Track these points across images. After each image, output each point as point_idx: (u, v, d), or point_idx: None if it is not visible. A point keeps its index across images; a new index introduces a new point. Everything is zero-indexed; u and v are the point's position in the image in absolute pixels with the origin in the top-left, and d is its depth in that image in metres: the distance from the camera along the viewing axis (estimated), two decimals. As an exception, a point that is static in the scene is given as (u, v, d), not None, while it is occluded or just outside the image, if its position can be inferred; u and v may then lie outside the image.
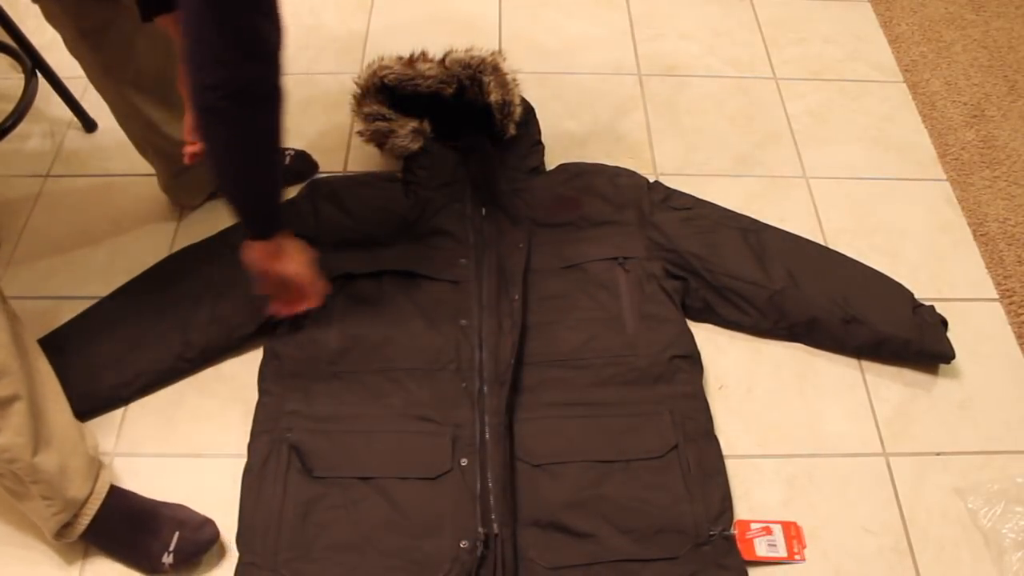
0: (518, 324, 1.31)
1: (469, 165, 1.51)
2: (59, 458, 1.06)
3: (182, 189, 1.51)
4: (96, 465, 1.13)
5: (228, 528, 1.17)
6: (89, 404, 1.27)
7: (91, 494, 1.11)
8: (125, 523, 1.14)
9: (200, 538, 1.14)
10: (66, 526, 1.10)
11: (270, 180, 1.12)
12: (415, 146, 1.50)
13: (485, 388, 1.25)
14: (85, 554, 1.17)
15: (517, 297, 1.34)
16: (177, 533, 1.13)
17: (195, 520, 1.16)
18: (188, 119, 1.23)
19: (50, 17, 1.23)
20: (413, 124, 1.50)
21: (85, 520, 1.11)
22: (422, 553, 1.11)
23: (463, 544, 1.12)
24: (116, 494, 1.15)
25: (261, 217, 1.15)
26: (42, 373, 1.05)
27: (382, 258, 1.40)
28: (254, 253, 1.18)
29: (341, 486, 1.17)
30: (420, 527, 1.14)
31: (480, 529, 1.13)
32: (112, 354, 1.30)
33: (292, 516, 1.14)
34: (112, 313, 1.35)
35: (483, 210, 1.46)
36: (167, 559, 1.12)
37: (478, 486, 1.16)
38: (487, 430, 1.21)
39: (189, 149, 1.23)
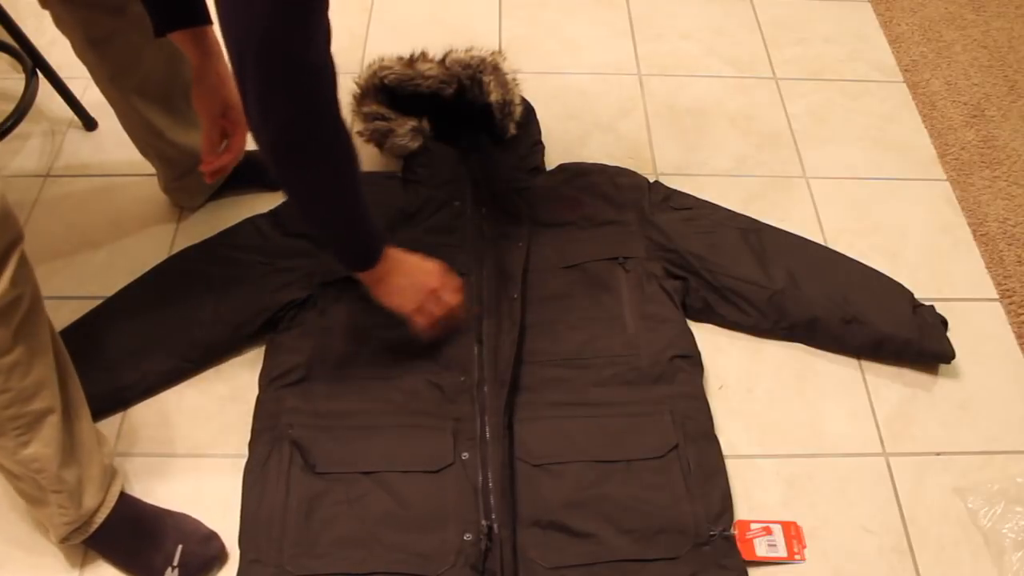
0: (517, 323, 1.31)
1: (469, 164, 1.51)
2: (81, 469, 1.06)
3: (183, 191, 1.52)
4: (110, 473, 1.13)
5: (229, 527, 1.16)
6: (95, 407, 1.26)
7: (102, 503, 1.10)
8: (129, 531, 1.13)
9: (207, 553, 1.14)
10: (74, 531, 1.09)
11: (351, 216, 1.11)
12: (414, 145, 1.50)
13: (485, 387, 1.25)
14: (84, 559, 1.17)
15: (516, 296, 1.34)
16: (181, 546, 1.13)
17: (200, 532, 1.15)
18: (206, 137, 1.24)
19: (60, 23, 1.24)
20: (412, 123, 1.50)
21: (92, 527, 1.10)
22: (427, 546, 1.12)
23: (467, 537, 1.12)
24: (123, 500, 1.14)
25: (347, 251, 1.16)
26: (72, 383, 1.05)
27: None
28: (372, 289, 1.21)
29: (344, 482, 1.17)
30: (424, 520, 1.14)
31: (483, 522, 1.13)
32: (117, 356, 1.30)
33: (296, 513, 1.14)
34: (115, 315, 1.35)
35: (483, 209, 1.46)
36: (171, 574, 1.11)
37: (480, 479, 1.17)
38: (487, 429, 1.21)
39: (207, 168, 1.25)
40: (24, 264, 0.89)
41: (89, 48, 1.25)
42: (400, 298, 1.23)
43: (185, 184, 1.50)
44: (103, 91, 1.35)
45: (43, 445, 0.98)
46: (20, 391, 0.92)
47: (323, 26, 0.94)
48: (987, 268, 1.54)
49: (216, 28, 1.10)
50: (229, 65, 0.97)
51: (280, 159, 1.01)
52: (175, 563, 1.12)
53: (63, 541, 1.10)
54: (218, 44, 1.20)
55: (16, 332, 0.89)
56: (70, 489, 1.04)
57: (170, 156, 1.43)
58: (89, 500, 1.08)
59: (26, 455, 0.97)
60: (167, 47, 1.29)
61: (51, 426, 0.98)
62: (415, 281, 1.23)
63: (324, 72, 0.96)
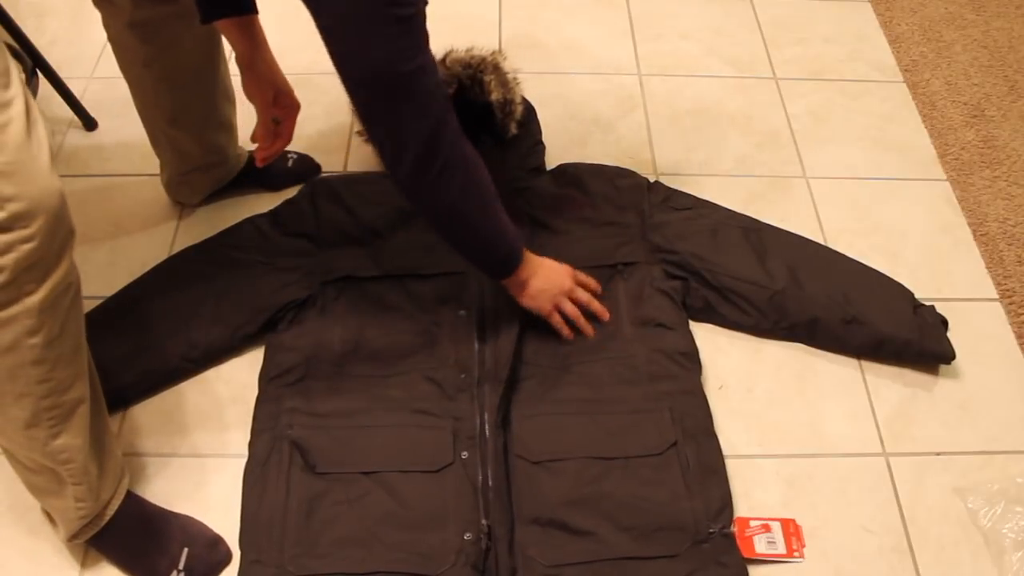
0: (517, 320, 1.31)
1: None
2: (102, 461, 1.06)
3: (185, 186, 1.51)
4: (121, 466, 1.12)
5: (229, 527, 1.16)
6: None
7: (114, 495, 1.10)
8: (135, 531, 1.12)
9: (214, 558, 1.14)
10: (86, 526, 1.09)
11: (488, 227, 1.18)
12: (415, 145, 1.50)
13: (486, 385, 1.25)
14: (84, 559, 1.17)
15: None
16: (186, 550, 1.12)
17: (206, 536, 1.15)
18: (261, 124, 1.29)
19: (103, 4, 1.24)
20: (412, 123, 1.50)
21: (103, 521, 1.09)
22: (427, 546, 1.12)
23: (467, 536, 1.12)
24: (130, 498, 1.13)
25: (491, 263, 1.23)
26: (95, 375, 1.05)
27: (383, 258, 1.40)
28: (514, 293, 1.29)
29: (344, 481, 1.17)
30: (424, 520, 1.14)
31: (483, 521, 1.13)
32: (118, 356, 1.29)
33: (296, 513, 1.14)
34: (115, 315, 1.35)
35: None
36: None
37: (480, 478, 1.17)
38: (487, 428, 1.21)
39: (261, 153, 1.31)
40: (72, 259, 0.91)
41: (129, 30, 1.25)
42: (538, 301, 1.30)
43: (189, 179, 1.50)
44: (131, 76, 1.34)
45: (73, 436, 0.98)
46: (60, 381, 0.93)
47: (428, 53, 1.04)
48: (987, 268, 1.54)
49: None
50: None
51: (413, 182, 1.08)
52: (180, 567, 1.11)
53: (73, 538, 1.09)
54: (264, 33, 1.22)
55: (64, 322, 0.91)
56: (91, 480, 1.04)
57: (183, 149, 1.43)
58: (104, 493, 1.08)
59: (56, 446, 0.97)
60: (206, 39, 1.31)
61: (82, 416, 0.98)
62: (551, 283, 1.31)
63: (435, 95, 1.04)
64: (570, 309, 1.33)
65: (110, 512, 1.10)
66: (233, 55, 1.25)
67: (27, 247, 0.81)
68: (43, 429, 0.95)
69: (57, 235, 0.85)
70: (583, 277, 1.37)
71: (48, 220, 0.82)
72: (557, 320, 1.32)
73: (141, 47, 1.28)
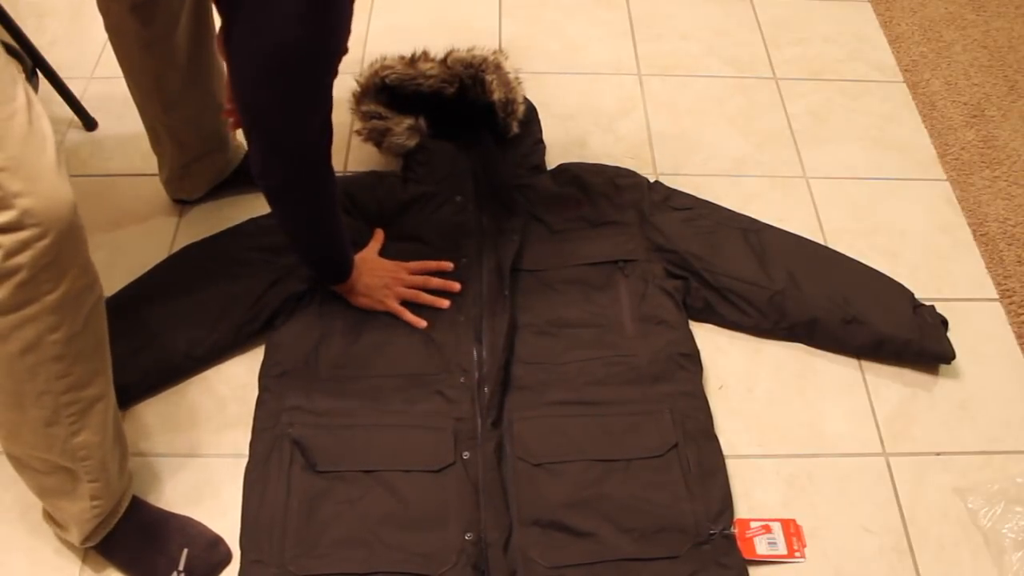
0: (506, 320, 1.31)
1: (470, 159, 1.51)
2: (118, 457, 1.06)
3: (186, 180, 1.51)
4: (129, 465, 1.12)
5: (229, 527, 1.16)
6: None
7: (125, 492, 1.10)
8: (135, 533, 1.12)
9: (213, 559, 1.13)
10: (99, 525, 1.08)
11: (325, 241, 1.24)
12: (411, 143, 1.50)
13: (486, 387, 1.25)
14: (84, 558, 1.17)
15: (507, 293, 1.34)
16: (186, 551, 1.12)
17: (205, 537, 1.15)
18: (229, 88, 1.26)
19: None
20: (409, 121, 1.50)
21: (116, 518, 1.09)
22: (429, 546, 1.12)
23: (468, 536, 1.12)
24: (132, 501, 1.13)
25: (326, 270, 1.30)
26: (111, 372, 1.06)
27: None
28: (347, 296, 1.34)
29: (345, 480, 1.17)
30: (425, 520, 1.14)
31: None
32: (119, 354, 1.27)
33: (297, 512, 1.14)
34: (116, 314, 1.33)
35: (483, 205, 1.46)
36: None
37: (481, 479, 1.17)
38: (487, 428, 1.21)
39: (233, 115, 1.31)
40: (88, 257, 0.92)
41: (130, 14, 1.25)
42: (370, 298, 1.33)
43: (189, 171, 1.49)
44: (130, 63, 1.34)
45: (93, 433, 0.98)
46: (79, 376, 0.93)
47: (323, 105, 1.09)
48: (987, 268, 1.54)
49: None
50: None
51: (273, 202, 1.16)
52: (180, 568, 1.11)
53: (87, 539, 1.09)
54: None
55: (86, 319, 0.91)
56: (108, 478, 1.03)
57: (182, 138, 1.43)
58: (118, 489, 1.08)
59: (76, 443, 0.97)
60: (198, 15, 1.31)
61: (99, 413, 0.99)
62: (379, 276, 1.35)
63: (318, 145, 1.12)
64: (405, 292, 1.34)
65: (122, 509, 1.09)
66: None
67: (42, 244, 0.81)
68: (63, 427, 0.95)
69: (72, 231, 0.85)
70: (415, 264, 1.38)
71: (60, 216, 0.83)
72: (396, 308, 1.33)
73: (143, 29, 1.27)
